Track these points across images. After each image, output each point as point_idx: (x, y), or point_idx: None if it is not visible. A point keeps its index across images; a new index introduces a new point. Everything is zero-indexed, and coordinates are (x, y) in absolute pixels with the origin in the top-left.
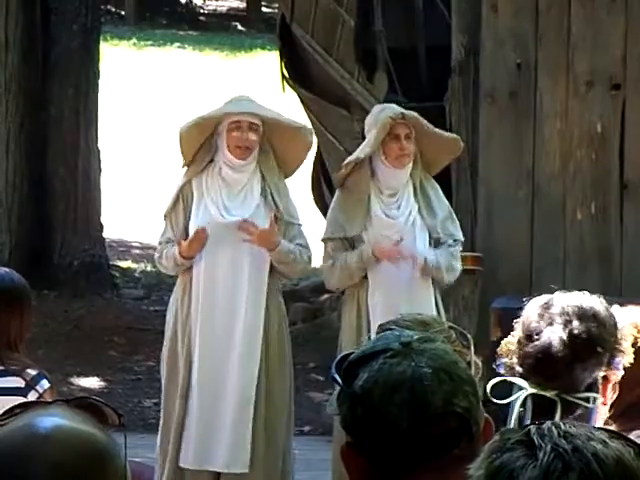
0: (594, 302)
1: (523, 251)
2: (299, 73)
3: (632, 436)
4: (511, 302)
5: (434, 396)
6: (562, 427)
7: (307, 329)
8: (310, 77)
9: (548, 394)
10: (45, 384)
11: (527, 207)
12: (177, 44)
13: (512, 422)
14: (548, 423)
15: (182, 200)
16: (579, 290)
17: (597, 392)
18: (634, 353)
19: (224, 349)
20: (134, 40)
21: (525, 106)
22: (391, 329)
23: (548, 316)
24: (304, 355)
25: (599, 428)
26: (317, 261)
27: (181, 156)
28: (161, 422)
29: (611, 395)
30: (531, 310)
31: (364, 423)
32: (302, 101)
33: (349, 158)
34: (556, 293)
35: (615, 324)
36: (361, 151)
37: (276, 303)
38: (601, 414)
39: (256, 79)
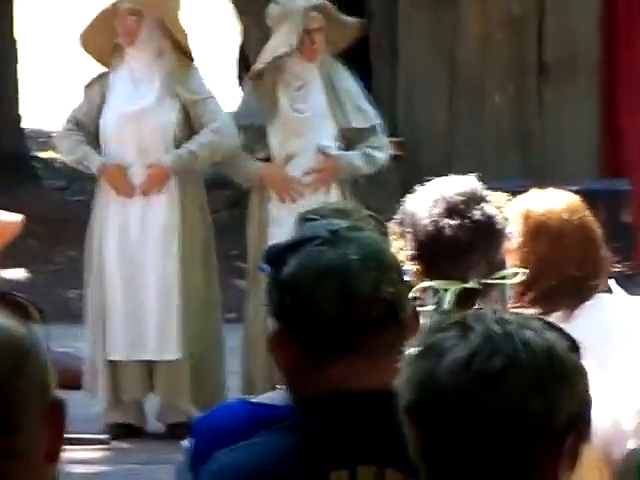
0: (471, 182)
1: (443, 135)
2: None
3: (551, 319)
4: None
5: (361, 282)
6: (499, 314)
7: (229, 216)
8: None
9: (470, 285)
10: None
11: (446, 90)
12: None
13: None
14: (487, 309)
15: (100, 83)
16: (498, 173)
17: (506, 266)
18: (555, 238)
19: (139, 240)
20: None
21: None
22: (312, 219)
23: (441, 211)
24: (227, 243)
25: (537, 318)
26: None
27: (96, 50)
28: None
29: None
30: (419, 209)
31: (293, 310)
32: None
33: (264, 57)
34: (432, 186)
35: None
36: (276, 49)
37: (192, 193)
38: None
39: None
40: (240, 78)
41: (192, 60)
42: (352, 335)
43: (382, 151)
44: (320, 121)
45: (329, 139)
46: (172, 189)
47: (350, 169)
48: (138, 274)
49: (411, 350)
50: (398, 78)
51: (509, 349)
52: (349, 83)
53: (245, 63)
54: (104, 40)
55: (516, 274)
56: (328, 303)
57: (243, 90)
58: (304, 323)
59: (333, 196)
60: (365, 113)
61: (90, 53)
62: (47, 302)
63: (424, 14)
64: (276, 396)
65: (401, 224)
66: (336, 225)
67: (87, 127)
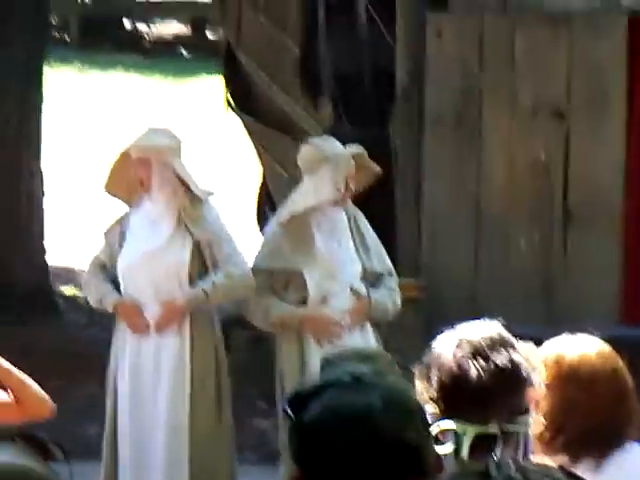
0: (498, 328)
1: (467, 278)
2: (243, 99)
3: (579, 467)
4: None
5: (385, 429)
6: (520, 463)
7: (250, 356)
8: (254, 103)
9: (490, 430)
10: None
11: (471, 233)
12: (121, 69)
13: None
14: (508, 458)
15: (120, 226)
16: (525, 318)
17: (529, 414)
18: (586, 385)
19: (152, 381)
20: (78, 64)
21: (470, 133)
22: (337, 363)
23: (465, 354)
24: (247, 382)
25: (559, 468)
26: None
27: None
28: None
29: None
30: (444, 351)
31: (314, 455)
32: (246, 127)
33: (306, 200)
34: (458, 329)
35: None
36: (320, 193)
37: (204, 332)
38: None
39: (200, 104)
40: (259, 216)
41: (203, 200)
42: None
43: (398, 294)
44: (351, 263)
45: (358, 280)
46: (185, 329)
47: (381, 310)
48: (149, 414)
49: None
50: (422, 220)
51: None
52: (367, 225)
53: (268, 201)
54: (125, 184)
55: (538, 422)
56: (350, 449)
57: (265, 229)
58: (325, 469)
59: (370, 337)
60: (381, 257)
61: (116, 196)
62: (67, 439)
63: (449, 158)
64: None
65: (426, 365)
66: (359, 370)
67: (109, 269)
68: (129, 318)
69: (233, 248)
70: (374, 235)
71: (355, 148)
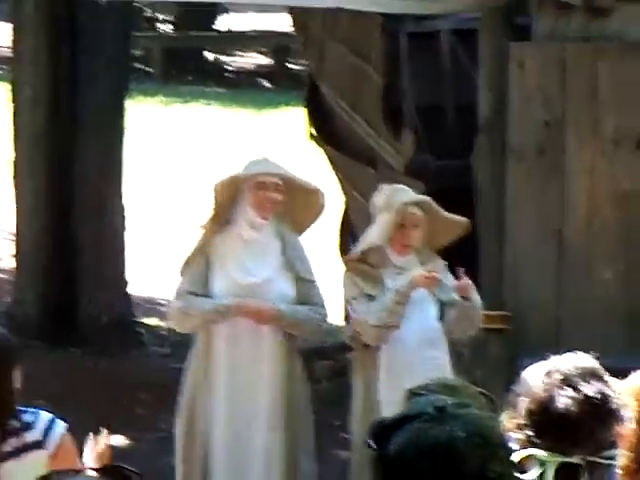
0: (590, 361)
1: (550, 310)
2: (326, 130)
3: None
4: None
5: (468, 461)
6: None
7: (333, 387)
8: (336, 134)
9: (574, 460)
10: (59, 431)
11: (554, 266)
12: (203, 101)
13: None
14: None
15: (204, 255)
16: (607, 350)
17: (617, 448)
18: None
19: (248, 414)
20: (161, 97)
21: (552, 164)
22: (422, 394)
23: (555, 382)
24: (330, 413)
25: None
26: (337, 319)
27: (212, 212)
28: None
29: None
30: (534, 379)
31: None
32: (328, 158)
33: (360, 246)
34: (551, 358)
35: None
36: (370, 239)
37: (295, 364)
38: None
39: (283, 136)
40: (342, 246)
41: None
42: None
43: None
44: (427, 304)
45: (434, 319)
46: (276, 360)
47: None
48: (244, 451)
49: None
50: (505, 252)
51: None
52: (440, 261)
53: (350, 232)
54: (222, 198)
55: (624, 455)
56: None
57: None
58: None
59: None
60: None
61: (215, 205)
62: (152, 470)
63: (531, 189)
64: None
65: (515, 393)
66: (443, 401)
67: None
68: (254, 307)
69: (319, 290)
70: (443, 268)
71: (418, 197)
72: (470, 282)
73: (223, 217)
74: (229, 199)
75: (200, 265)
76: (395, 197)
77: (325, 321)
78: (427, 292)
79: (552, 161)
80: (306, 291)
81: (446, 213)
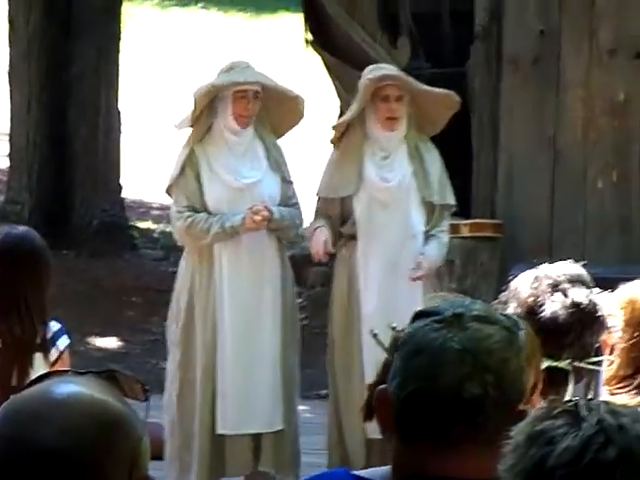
0: (579, 269)
1: (543, 218)
2: (323, 36)
3: None
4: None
5: (446, 373)
6: (610, 405)
7: (326, 293)
8: (333, 41)
9: (561, 365)
10: (62, 343)
11: (548, 174)
12: (200, 4)
13: None
14: (598, 399)
15: (191, 168)
16: (598, 259)
17: (603, 355)
18: None
19: (254, 319)
20: (157, 0)
21: (547, 73)
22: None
23: (543, 288)
24: (322, 318)
25: None
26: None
27: (189, 119)
28: (175, 391)
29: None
30: (523, 285)
31: (390, 377)
32: (325, 64)
33: (339, 120)
34: (541, 266)
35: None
36: (348, 112)
37: (287, 268)
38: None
39: (279, 40)
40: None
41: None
42: (424, 423)
43: (447, 234)
44: (405, 192)
45: (416, 212)
46: (278, 262)
47: (436, 266)
48: (254, 353)
49: (518, 436)
50: (499, 160)
51: (623, 442)
52: (434, 156)
53: None
54: (201, 106)
55: (611, 362)
56: (410, 380)
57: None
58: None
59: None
60: (444, 190)
61: (193, 114)
62: (142, 372)
63: (527, 98)
64: (375, 471)
65: (504, 299)
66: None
67: (198, 208)
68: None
69: (295, 192)
70: (441, 166)
71: (388, 71)
72: (425, 273)
73: (204, 125)
74: (208, 107)
75: (190, 178)
76: (375, 70)
77: (301, 226)
78: (411, 191)
79: (547, 70)
80: (286, 192)
81: (427, 86)
